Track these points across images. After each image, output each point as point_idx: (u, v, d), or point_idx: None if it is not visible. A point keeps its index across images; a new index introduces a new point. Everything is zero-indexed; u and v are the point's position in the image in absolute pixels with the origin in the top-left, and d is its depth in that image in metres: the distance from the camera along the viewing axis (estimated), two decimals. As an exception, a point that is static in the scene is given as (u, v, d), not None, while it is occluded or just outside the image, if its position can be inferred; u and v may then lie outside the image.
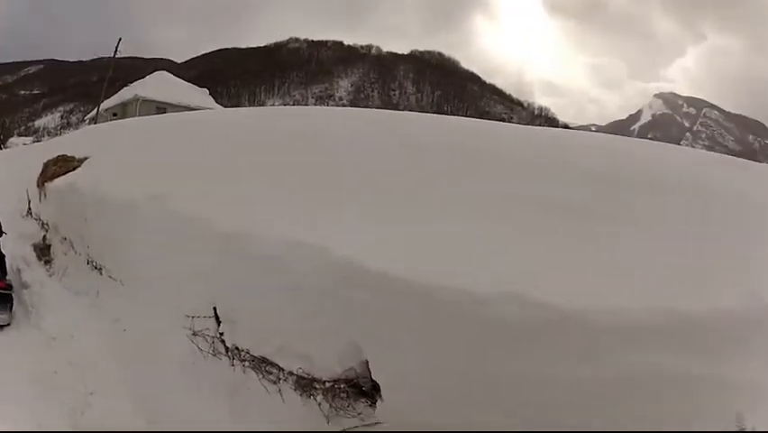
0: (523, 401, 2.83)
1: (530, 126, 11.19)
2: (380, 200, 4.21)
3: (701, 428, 3.26)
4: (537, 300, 2.81)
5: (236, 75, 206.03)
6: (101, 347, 4.86)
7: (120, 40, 39.02)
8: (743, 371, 3.31)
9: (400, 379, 3.07)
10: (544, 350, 2.80)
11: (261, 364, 3.73)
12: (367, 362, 3.19)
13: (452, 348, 2.91)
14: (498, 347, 2.85)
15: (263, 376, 3.71)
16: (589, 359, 2.78)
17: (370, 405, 3.22)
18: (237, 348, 3.90)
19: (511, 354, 2.83)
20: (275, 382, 3.64)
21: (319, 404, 3.39)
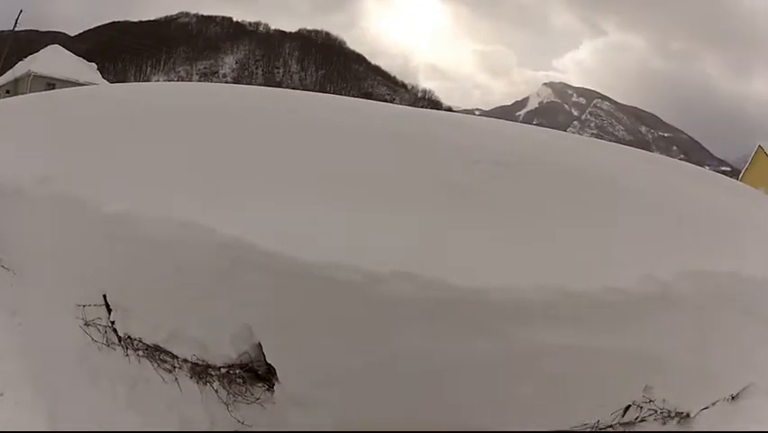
0: (419, 378, 2.84)
1: (420, 109, 11.41)
2: (275, 180, 4.09)
3: (609, 399, 3.36)
4: (431, 278, 2.82)
5: (125, 49, 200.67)
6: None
7: (21, 12, 37.17)
8: (647, 345, 3.43)
9: (295, 360, 3.02)
10: (438, 327, 2.81)
11: (155, 353, 3.56)
12: (260, 344, 3.12)
13: (346, 327, 2.88)
14: (393, 325, 2.84)
15: (158, 365, 3.56)
16: (483, 335, 2.81)
17: (268, 389, 3.17)
18: (130, 337, 3.71)
19: (406, 332, 2.83)
20: (170, 371, 3.50)
21: (216, 391, 3.30)
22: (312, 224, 3.33)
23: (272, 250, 3.01)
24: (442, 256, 3.06)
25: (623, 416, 3.46)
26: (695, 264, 3.97)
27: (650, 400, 3.56)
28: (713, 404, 4.19)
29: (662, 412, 3.70)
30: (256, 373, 3.20)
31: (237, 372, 3.23)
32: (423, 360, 2.81)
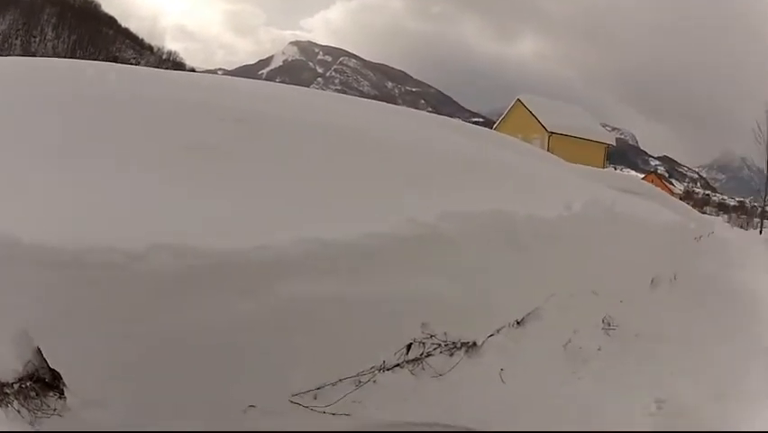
0: (198, 350, 2.94)
1: (163, 70, 11.28)
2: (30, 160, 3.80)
3: (388, 340, 3.76)
4: (188, 247, 2.92)
5: None
6: None
7: None
8: (417, 285, 3.87)
9: (76, 359, 2.95)
10: (205, 295, 2.92)
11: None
12: (39, 349, 2.99)
13: (117, 313, 2.86)
14: (161, 301, 2.88)
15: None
16: (248, 296, 2.99)
17: (60, 397, 3.07)
18: None
19: (175, 306, 2.89)
20: (-35, 399, 3.33)
21: (18, 411, 3.12)
22: (61, 205, 3.22)
23: (38, 243, 2.86)
24: (197, 222, 3.17)
25: (407, 354, 3.92)
26: (457, 205, 4.51)
27: (431, 336, 4.04)
28: (498, 331, 4.80)
29: (446, 345, 4.20)
30: (44, 381, 3.07)
31: (28, 384, 3.08)
32: (201, 329, 2.91)
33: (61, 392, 3.07)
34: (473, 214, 4.59)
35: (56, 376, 3.06)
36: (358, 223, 3.68)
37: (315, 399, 3.34)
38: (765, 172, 29.99)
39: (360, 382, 3.59)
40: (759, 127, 30.75)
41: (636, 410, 5.07)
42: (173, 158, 4.04)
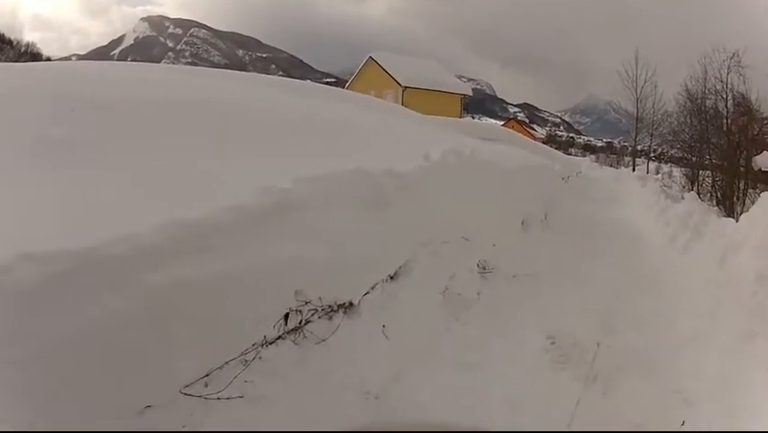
0: (80, 356, 2.76)
1: (18, 63, 11.11)
2: None
3: (263, 314, 3.85)
4: (48, 253, 2.76)
5: None
6: None
7: None
8: (280, 253, 3.95)
9: None
10: (74, 298, 2.78)
11: None
12: None
13: None
14: (32, 313, 2.71)
15: None
16: (118, 292, 2.91)
17: None
18: None
19: (48, 315, 2.72)
20: None
21: None
22: None
23: None
24: (58, 224, 3.08)
25: (286, 324, 4.04)
26: (313, 168, 4.65)
27: (306, 302, 4.16)
28: (373, 288, 5.03)
29: (323, 309, 4.34)
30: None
31: None
32: (76, 339, 2.75)
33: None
34: (329, 175, 4.72)
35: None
36: (216, 198, 3.69)
37: (207, 386, 3.34)
38: (635, 113, 32.49)
39: (246, 361, 3.62)
40: (627, 71, 32.99)
41: (529, 349, 5.49)
42: (23, 155, 3.90)
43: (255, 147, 5.18)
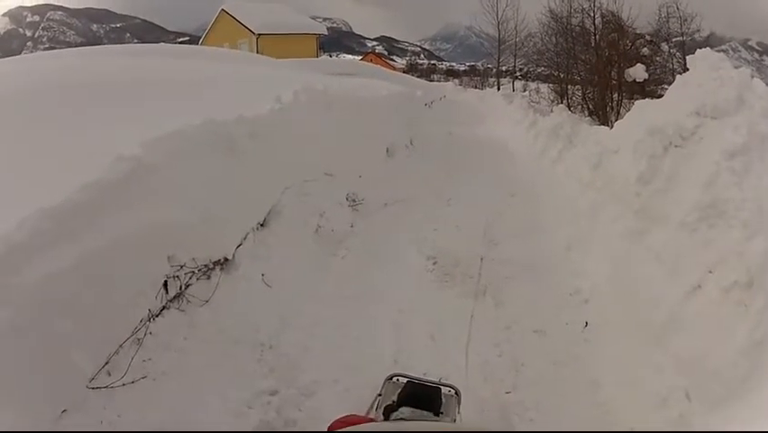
0: None
1: None
2: None
3: (142, 289, 3.94)
4: None
5: None
6: None
7: None
8: (141, 221, 3.99)
9: None
10: None
11: None
12: None
13: None
14: None
15: None
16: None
17: None
18: None
19: None
20: None
21: None
22: None
23: None
24: None
25: (167, 293, 4.10)
26: (164, 129, 4.71)
27: (181, 266, 4.23)
28: (244, 239, 5.16)
29: (200, 270, 4.45)
30: None
31: None
32: None
33: None
34: (177, 132, 4.74)
35: None
36: (70, 178, 3.62)
37: (110, 375, 3.37)
38: (497, 36, 33.50)
39: (138, 339, 3.68)
40: None
41: (412, 273, 5.87)
42: None
43: (100, 119, 5.11)
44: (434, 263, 6.08)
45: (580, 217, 6.55)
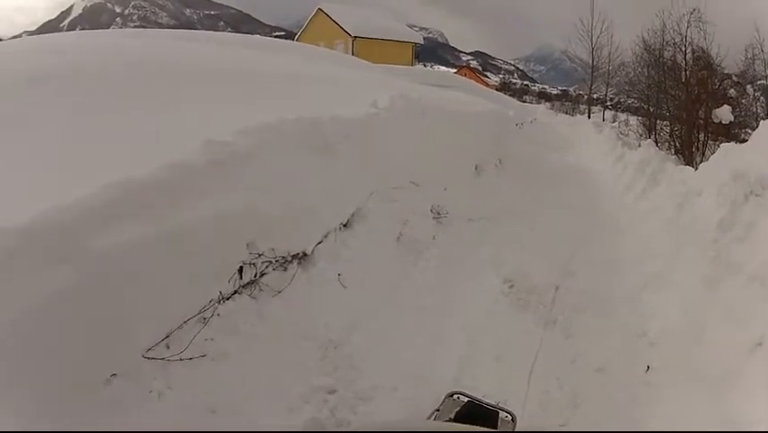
0: (34, 335, 2.67)
1: None
2: None
3: (217, 271, 3.96)
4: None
5: None
6: None
7: None
8: (230, 205, 4.00)
9: None
10: (20, 275, 2.72)
11: None
12: None
13: None
14: None
15: None
16: (64, 263, 2.86)
17: None
18: None
19: None
20: None
21: None
22: None
23: None
24: None
25: (241, 278, 4.12)
26: (256, 119, 4.73)
27: (259, 254, 4.24)
28: (326, 237, 5.18)
29: (277, 260, 4.43)
30: None
31: None
32: (27, 317, 2.71)
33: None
34: (271, 125, 4.77)
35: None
36: (157, 156, 3.68)
37: (168, 348, 3.38)
38: (591, 62, 33.23)
39: (204, 319, 3.69)
40: (582, 22, 33.58)
41: (488, 292, 5.75)
42: None
43: (195, 103, 5.20)
44: (510, 287, 5.92)
45: (659, 257, 6.30)
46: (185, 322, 3.56)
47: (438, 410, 3.21)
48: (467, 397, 3.24)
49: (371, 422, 3.73)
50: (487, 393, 3.72)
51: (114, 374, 3.04)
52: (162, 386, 3.21)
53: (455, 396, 3.30)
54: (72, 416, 2.74)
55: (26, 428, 2.44)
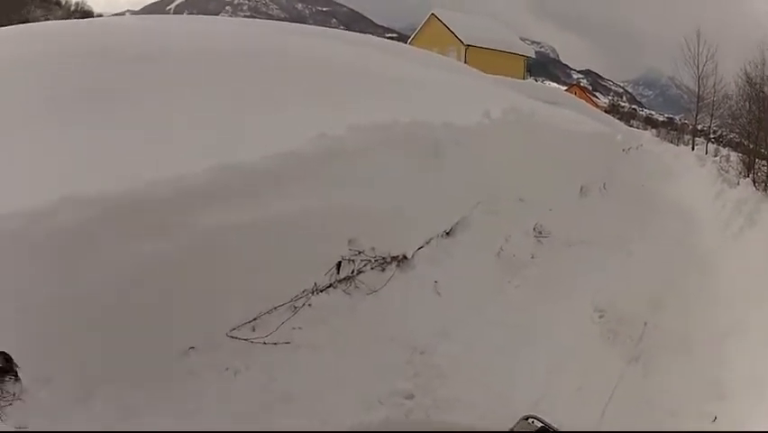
0: (125, 299, 2.89)
1: (69, 20, 11.21)
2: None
3: (315, 261, 4.00)
4: (92, 197, 2.89)
5: None
6: None
7: None
8: (335, 199, 4.03)
9: (18, 335, 2.83)
10: (120, 241, 2.88)
11: None
12: None
13: (34, 278, 2.78)
14: (72, 258, 2.82)
15: None
16: (164, 234, 3.01)
17: (16, 379, 2.89)
18: None
19: (93, 258, 2.84)
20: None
21: None
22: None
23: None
24: (100, 169, 3.18)
25: (338, 273, 4.14)
26: (369, 118, 4.73)
27: (359, 252, 4.26)
28: (428, 243, 5.14)
29: (376, 260, 4.44)
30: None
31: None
32: (121, 282, 2.86)
33: (16, 375, 2.91)
34: (385, 125, 4.77)
35: (7, 358, 2.90)
36: (268, 144, 3.77)
37: (254, 330, 3.47)
38: (696, 91, 32.10)
39: (295, 307, 3.74)
40: (688, 47, 32.50)
41: (577, 319, 5.57)
42: (71, 104, 4.03)
43: (308, 97, 5.27)
44: (601, 317, 5.70)
45: (748, 303, 5.89)
46: (275, 308, 3.63)
47: (511, 431, 3.12)
48: (541, 422, 3.13)
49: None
50: (562, 423, 3.59)
51: (193, 347, 3.14)
52: (241, 365, 3.29)
53: (530, 420, 3.19)
54: (146, 381, 2.89)
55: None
